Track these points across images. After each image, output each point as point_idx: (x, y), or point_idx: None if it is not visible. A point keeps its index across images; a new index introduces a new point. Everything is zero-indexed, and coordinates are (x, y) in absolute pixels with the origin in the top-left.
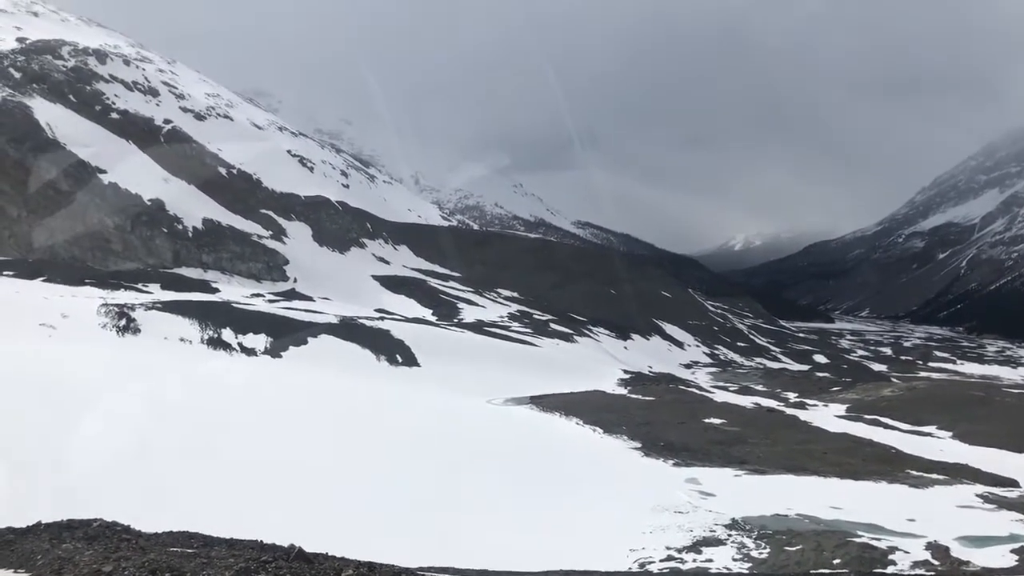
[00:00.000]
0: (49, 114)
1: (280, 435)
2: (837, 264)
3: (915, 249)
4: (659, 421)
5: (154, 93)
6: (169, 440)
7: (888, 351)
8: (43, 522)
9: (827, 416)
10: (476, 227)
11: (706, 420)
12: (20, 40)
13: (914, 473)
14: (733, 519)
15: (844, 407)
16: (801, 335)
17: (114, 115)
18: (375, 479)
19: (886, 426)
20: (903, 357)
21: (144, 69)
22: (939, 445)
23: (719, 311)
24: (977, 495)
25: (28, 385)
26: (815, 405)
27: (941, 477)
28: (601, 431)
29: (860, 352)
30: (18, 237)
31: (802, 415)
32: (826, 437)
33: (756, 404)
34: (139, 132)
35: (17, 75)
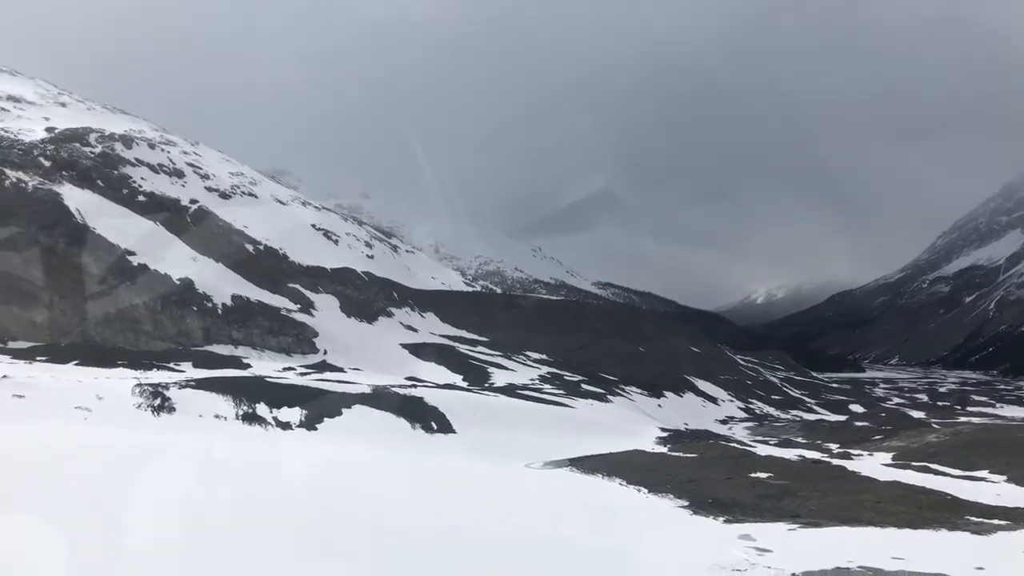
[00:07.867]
0: (78, 200)
1: (326, 517)
2: (862, 312)
3: (941, 294)
4: (704, 478)
5: (179, 174)
6: (219, 523)
7: (924, 397)
8: None
9: (874, 465)
10: (499, 291)
11: (752, 475)
12: (49, 130)
13: (974, 519)
14: (794, 575)
15: (890, 455)
16: (834, 385)
17: (141, 197)
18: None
19: (936, 472)
20: (941, 403)
21: (169, 152)
22: (995, 490)
23: (750, 365)
24: None
25: (70, 470)
26: (860, 455)
27: (1003, 522)
28: (646, 491)
29: (896, 400)
30: (50, 322)
31: (849, 465)
32: (877, 486)
33: (800, 456)
34: (167, 213)
35: (47, 163)
